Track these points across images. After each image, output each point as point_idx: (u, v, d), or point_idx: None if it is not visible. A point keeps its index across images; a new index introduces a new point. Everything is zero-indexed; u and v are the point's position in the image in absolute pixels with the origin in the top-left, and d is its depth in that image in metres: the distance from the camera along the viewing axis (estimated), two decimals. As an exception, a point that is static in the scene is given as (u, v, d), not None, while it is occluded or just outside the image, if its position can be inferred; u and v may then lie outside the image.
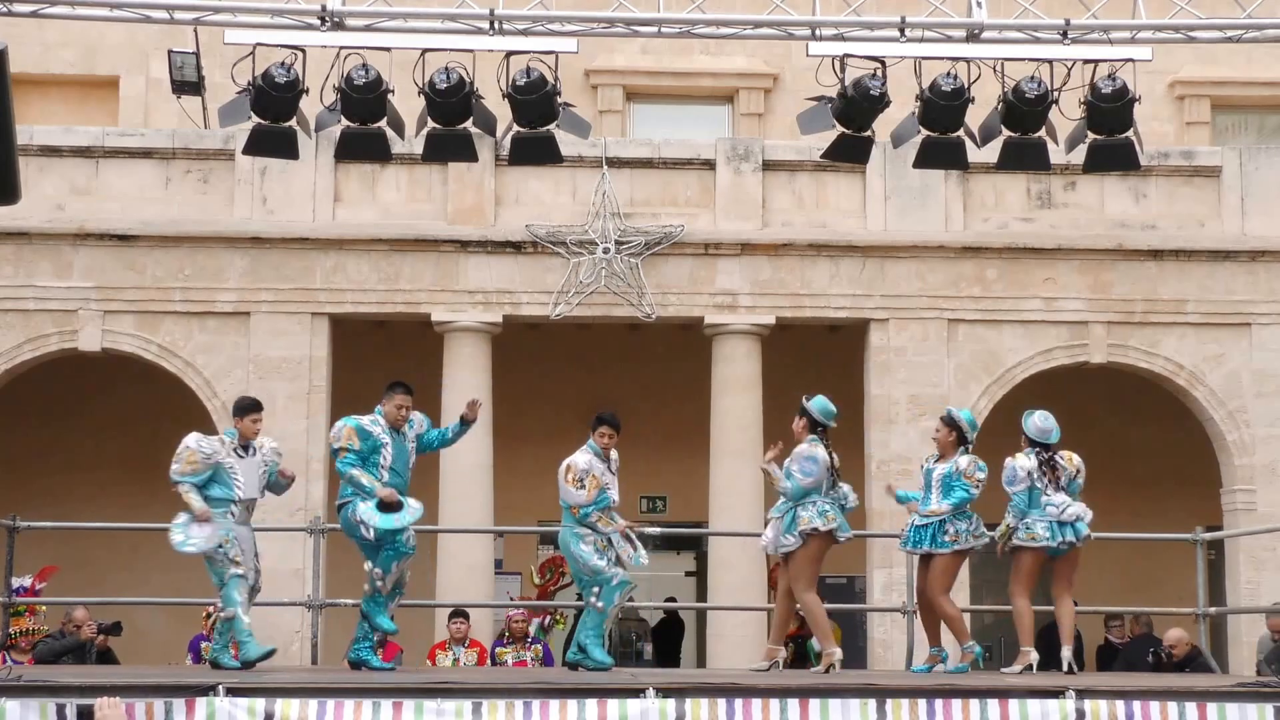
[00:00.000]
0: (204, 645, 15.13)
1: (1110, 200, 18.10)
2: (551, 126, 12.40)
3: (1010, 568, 11.83)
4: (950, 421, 11.77)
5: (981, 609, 17.69)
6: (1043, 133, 12.51)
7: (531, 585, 17.68)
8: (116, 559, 18.62)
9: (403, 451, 11.41)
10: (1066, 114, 12.45)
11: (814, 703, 8.72)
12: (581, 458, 11.49)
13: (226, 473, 11.03)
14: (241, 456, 11.16)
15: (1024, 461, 11.59)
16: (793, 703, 8.71)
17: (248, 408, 11.31)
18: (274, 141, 12.36)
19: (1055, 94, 12.25)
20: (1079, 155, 12.93)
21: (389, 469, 11.29)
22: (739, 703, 8.67)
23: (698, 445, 17.93)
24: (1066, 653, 11.57)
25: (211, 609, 15.39)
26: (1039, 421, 11.68)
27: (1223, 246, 17.91)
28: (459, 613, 15.54)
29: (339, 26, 12.00)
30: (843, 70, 12.15)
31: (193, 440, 11.06)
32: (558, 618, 16.54)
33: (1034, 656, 11.58)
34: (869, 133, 12.52)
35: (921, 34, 12.34)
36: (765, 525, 11.94)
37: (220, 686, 8.52)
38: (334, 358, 17.65)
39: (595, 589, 11.46)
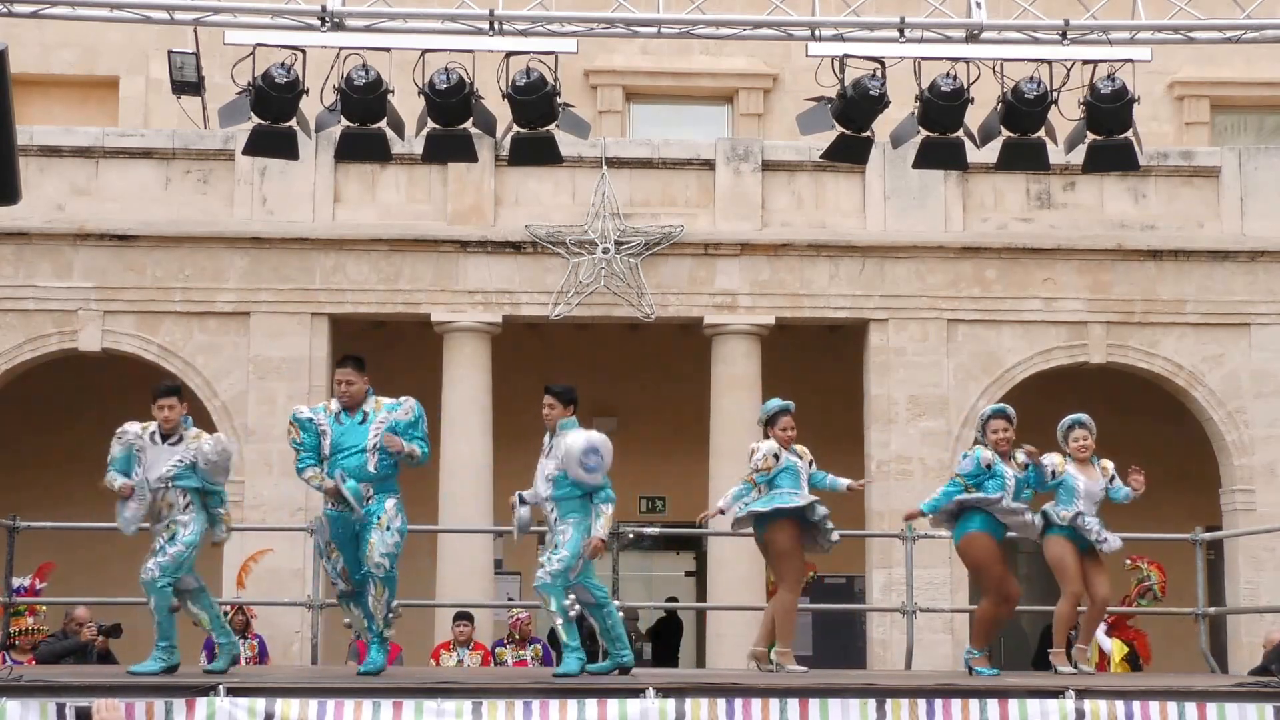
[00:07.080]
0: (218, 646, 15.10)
1: (1109, 201, 18.10)
2: (551, 127, 12.40)
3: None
4: None
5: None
6: (1042, 133, 12.51)
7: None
8: (117, 559, 18.58)
9: (353, 434, 10.28)
10: (1066, 114, 12.44)
11: (814, 702, 8.74)
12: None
13: (135, 459, 10.27)
14: (155, 443, 10.20)
15: None
16: (792, 702, 8.72)
17: (154, 393, 10.28)
18: (274, 142, 12.35)
19: (1054, 94, 12.25)
20: (1078, 156, 12.94)
21: (331, 460, 10.22)
22: (739, 703, 8.69)
23: (697, 445, 17.92)
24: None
25: (228, 608, 15.45)
26: None
27: (1222, 247, 17.91)
28: (464, 614, 15.53)
29: (339, 27, 12.00)
30: (842, 71, 12.15)
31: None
32: None
33: None
34: (868, 133, 12.52)
35: (921, 34, 12.34)
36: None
37: (220, 686, 8.54)
38: (334, 358, 17.62)
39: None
